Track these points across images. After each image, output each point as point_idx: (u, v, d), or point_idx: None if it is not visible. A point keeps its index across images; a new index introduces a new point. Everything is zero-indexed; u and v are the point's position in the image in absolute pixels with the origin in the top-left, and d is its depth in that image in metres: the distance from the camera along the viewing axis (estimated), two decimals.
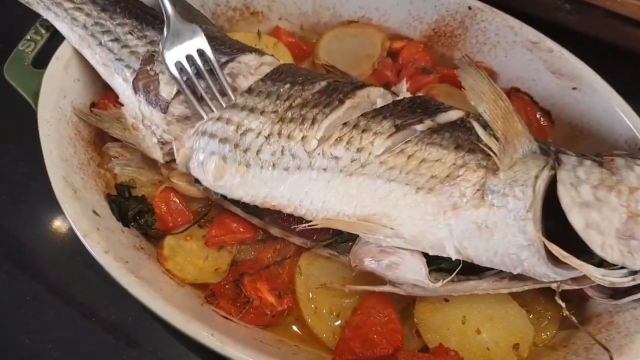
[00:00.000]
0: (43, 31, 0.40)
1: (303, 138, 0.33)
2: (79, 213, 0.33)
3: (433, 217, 0.30)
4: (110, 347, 0.39)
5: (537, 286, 0.32)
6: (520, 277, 0.32)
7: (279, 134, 0.33)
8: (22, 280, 0.41)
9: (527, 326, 0.34)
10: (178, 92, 0.36)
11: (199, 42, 0.35)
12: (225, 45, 0.39)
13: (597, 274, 0.29)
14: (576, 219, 0.28)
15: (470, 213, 0.30)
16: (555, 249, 0.28)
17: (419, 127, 0.32)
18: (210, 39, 0.37)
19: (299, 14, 0.45)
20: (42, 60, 0.39)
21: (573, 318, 0.31)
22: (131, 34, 0.38)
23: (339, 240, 0.35)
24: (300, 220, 0.34)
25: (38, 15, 0.41)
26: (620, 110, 0.37)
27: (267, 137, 0.33)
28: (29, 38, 0.40)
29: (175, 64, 0.35)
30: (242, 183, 0.34)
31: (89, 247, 0.33)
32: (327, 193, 0.32)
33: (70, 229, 0.41)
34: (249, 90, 0.36)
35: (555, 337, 0.35)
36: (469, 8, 0.41)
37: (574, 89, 0.39)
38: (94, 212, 0.35)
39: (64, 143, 0.37)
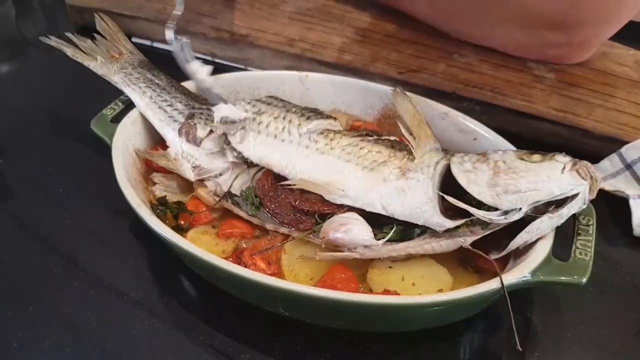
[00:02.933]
0: (120, 104, 0.62)
1: (299, 125, 0.53)
2: (134, 196, 0.51)
3: (370, 185, 0.49)
4: (137, 316, 0.51)
5: (451, 243, 0.47)
6: (437, 235, 0.48)
7: (284, 118, 0.54)
8: (70, 269, 0.55)
9: (448, 278, 0.48)
10: (209, 134, 0.57)
11: None
12: None
13: (479, 213, 0.45)
14: (462, 180, 0.47)
15: (393, 183, 0.48)
16: (449, 198, 0.46)
17: (371, 138, 0.52)
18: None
19: None
20: (117, 119, 0.61)
21: (469, 246, 0.46)
22: (180, 102, 0.60)
23: (316, 229, 0.52)
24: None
25: (117, 95, 0.64)
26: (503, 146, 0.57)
27: (275, 118, 0.54)
28: (110, 107, 0.62)
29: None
30: (254, 145, 0.54)
31: (143, 215, 0.49)
32: (305, 163, 0.51)
33: (108, 241, 0.58)
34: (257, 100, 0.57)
35: None
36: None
37: (475, 139, 0.59)
38: (143, 201, 0.52)
39: (126, 164, 0.55)
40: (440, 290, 0.47)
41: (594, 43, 0.74)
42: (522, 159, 0.47)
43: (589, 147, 0.67)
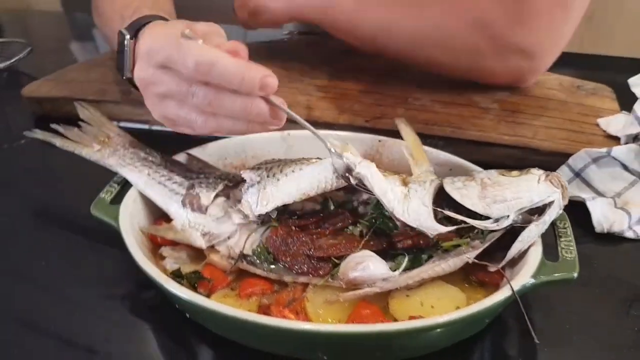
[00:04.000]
0: (116, 185, 0.65)
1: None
2: (157, 271, 0.54)
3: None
4: None
5: (457, 261, 0.55)
6: (444, 257, 0.55)
7: (292, 162, 0.62)
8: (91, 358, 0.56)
9: (461, 295, 0.55)
10: (213, 200, 0.62)
11: None
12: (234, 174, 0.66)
13: (474, 222, 0.53)
14: (456, 195, 0.55)
15: (400, 189, 0.57)
16: (446, 211, 0.54)
17: None
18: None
19: None
20: (116, 201, 0.63)
21: (475, 260, 0.53)
22: (178, 175, 0.64)
23: (333, 273, 0.57)
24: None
25: (106, 178, 0.67)
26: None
27: (285, 164, 0.62)
28: (106, 190, 0.64)
29: None
30: (278, 193, 0.59)
31: (170, 288, 0.52)
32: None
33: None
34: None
35: None
36: (379, 141, 0.73)
37: (450, 169, 0.68)
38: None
39: (137, 243, 0.58)
40: (457, 307, 0.54)
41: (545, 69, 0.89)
42: (503, 175, 0.56)
43: (540, 164, 0.78)
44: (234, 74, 0.53)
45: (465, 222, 0.54)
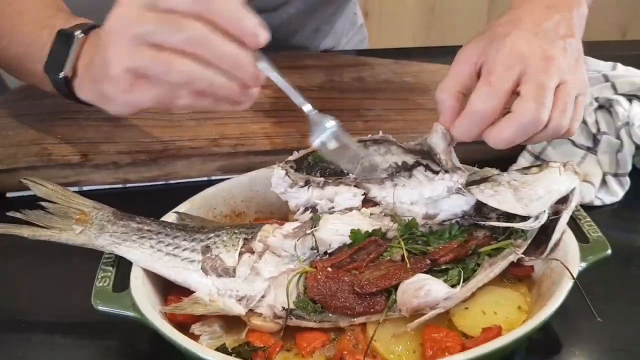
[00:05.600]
0: (110, 268, 0.56)
1: None
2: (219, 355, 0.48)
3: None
4: None
5: (505, 262, 0.58)
6: (493, 262, 0.58)
7: None
8: None
9: (515, 294, 0.58)
10: (239, 257, 0.56)
11: None
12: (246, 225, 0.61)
13: (519, 225, 0.58)
14: (492, 203, 0.59)
15: None
16: (493, 223, 0.59)
17: None
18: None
19: (269, 204, 0.67)
20: (119, 287, 0.55)
21: (522, 256, 0.58)
22: (185, 240, 0.57)
23: (389, 305, 0.56)
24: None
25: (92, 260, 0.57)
26: None
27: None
28: (101, 277, 0.55)
29: None
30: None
31: None
32: None
33: None
34: None
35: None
36: None
37: None
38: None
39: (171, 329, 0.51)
40: (519, 307, 0.57)
41: None
42: (525, 173, 0.61)
43: (501, 154, 0.86)
44: (233, 10, 0.51)
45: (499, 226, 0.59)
